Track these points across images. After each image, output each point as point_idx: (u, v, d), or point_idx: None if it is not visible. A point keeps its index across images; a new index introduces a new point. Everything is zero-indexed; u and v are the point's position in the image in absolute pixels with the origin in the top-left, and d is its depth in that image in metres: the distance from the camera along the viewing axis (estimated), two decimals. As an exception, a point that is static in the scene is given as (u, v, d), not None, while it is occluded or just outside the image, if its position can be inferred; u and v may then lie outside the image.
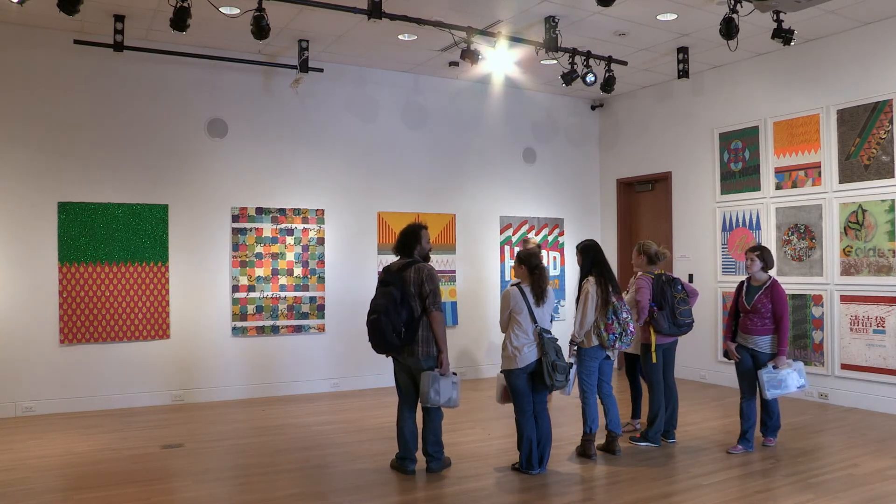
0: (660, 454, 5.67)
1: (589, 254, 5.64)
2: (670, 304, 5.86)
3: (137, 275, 7.51)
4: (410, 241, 5.19)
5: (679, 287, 5.99)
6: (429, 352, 5.03)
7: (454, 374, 5.12)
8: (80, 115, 7.33)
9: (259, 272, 8.06)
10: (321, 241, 8.42)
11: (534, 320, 5.08)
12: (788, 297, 7.82)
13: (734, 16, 6.15)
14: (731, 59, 8.35)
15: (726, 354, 5.94)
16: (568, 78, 7.51)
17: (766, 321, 5.65)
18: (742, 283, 5.89)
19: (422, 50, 8.07)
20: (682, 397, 6.58)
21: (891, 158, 7.02)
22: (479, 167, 9.51)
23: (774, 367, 5.56)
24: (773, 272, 8.00)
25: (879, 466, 5.26)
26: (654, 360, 5.92)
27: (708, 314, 8.54)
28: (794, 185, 7.86)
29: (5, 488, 4.84)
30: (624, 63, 8.18)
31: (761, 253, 5.76)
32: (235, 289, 7.95)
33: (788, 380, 5.57)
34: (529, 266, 5.19)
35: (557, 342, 5.10)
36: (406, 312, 4.95)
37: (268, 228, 8.14)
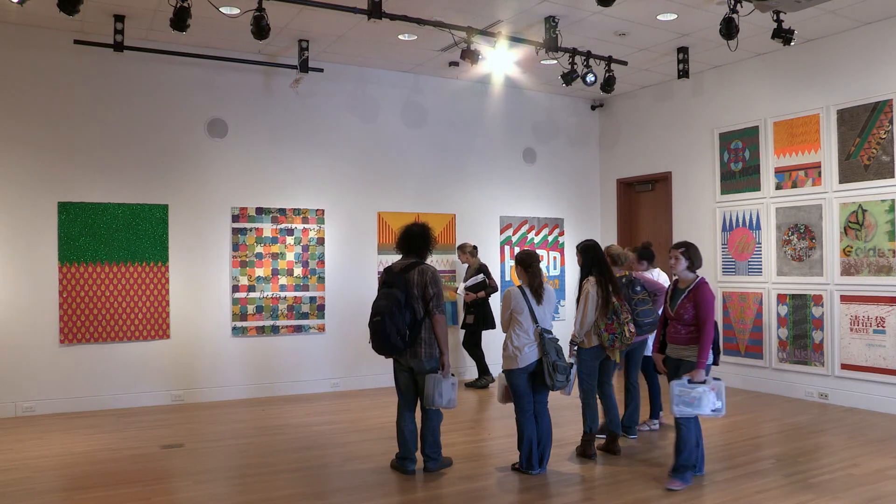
0: (660, 454, 5.67)
1: (589, 254, 5.63)
2: (629, 305, 5.80)
3: (137, 275, 7.51)
4: (423, 243, 5.14)
5: (638, 288, 5.94)
6: (431, 353, 5.02)
7: (452, 374, 5.14)
8: (80, 115, 7.33)
9: (259, 272, 8.06)
10: (321, 241, 8.42)
11: (535, 320, 5.08)
12: (788, 298, 7.90)
13: (734, 16, 6.16)
14: (731, 59, 8.35)
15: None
16: (568, 78, 7.51)
17: (692, 329, 4.80)
18: (671, 285, 5.15)
19: (422, 50, 8.07)
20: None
21: (891, 158, 7.02)
22: (479, 167, 9.50)
23: (690, 381, 4.71)
24: (772, 272, 8.13)
25: (879, 466, 5.26)
26: (616, 360, 5.86)
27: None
28: (795, 185, 7.86)
29: (5, 488, 4.84)
30: (624, 63, 8.18)
31: (686, 250, 4.94)
32: (235, 289, 7.95)
33: (703, 399, 4.68)
34: (525, 265, 5.21)
35: (558, 342, 5.10)
36: (409, 314, 4.93)
37: (268, 228, 8.14)
